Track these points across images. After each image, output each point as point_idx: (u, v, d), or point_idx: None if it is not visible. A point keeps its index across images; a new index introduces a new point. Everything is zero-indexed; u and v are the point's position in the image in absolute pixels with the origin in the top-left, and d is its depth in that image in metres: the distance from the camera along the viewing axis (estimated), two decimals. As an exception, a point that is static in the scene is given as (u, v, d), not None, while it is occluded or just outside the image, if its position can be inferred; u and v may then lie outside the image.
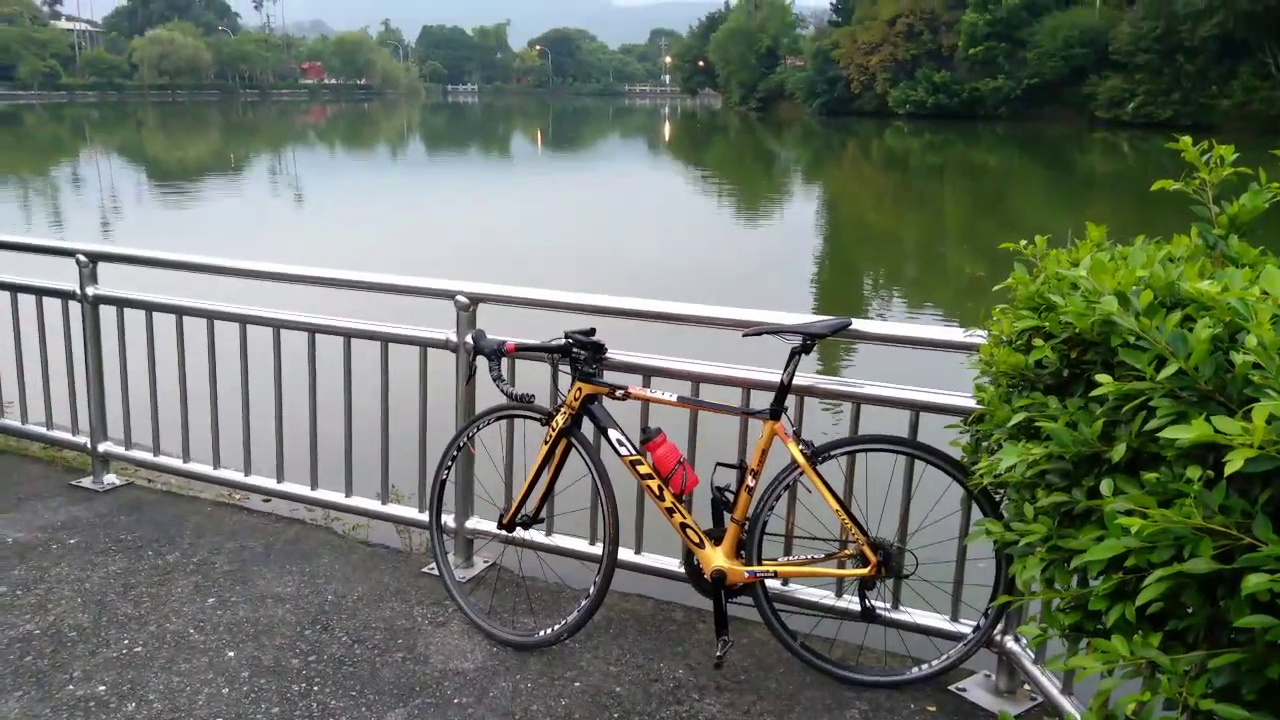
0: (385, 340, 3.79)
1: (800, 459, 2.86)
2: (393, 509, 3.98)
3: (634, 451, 3.05)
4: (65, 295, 4.42)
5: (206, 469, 4.32)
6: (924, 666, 2.99)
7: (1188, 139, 2.19)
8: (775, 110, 79.15)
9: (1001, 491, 2.49)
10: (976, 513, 2.87)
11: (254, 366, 4.06)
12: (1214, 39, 45.59)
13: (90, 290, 4.34)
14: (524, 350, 3.23)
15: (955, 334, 2.89)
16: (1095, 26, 53.10)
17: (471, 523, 3.76)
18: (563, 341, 3.14)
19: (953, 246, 18.50)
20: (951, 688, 3.02)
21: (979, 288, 12.20)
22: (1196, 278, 1.80)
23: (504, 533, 3.39)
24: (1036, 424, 1.92)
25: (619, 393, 3.09)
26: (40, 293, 4.51)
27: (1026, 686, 2.98)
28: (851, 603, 3.13)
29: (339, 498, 4.04)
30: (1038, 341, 2.05)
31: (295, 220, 21.26)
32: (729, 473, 3.03)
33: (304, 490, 4.11)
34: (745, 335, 3.04)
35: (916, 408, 2.99)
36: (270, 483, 4.19)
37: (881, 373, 3.22)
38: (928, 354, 3.02)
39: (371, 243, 16.33)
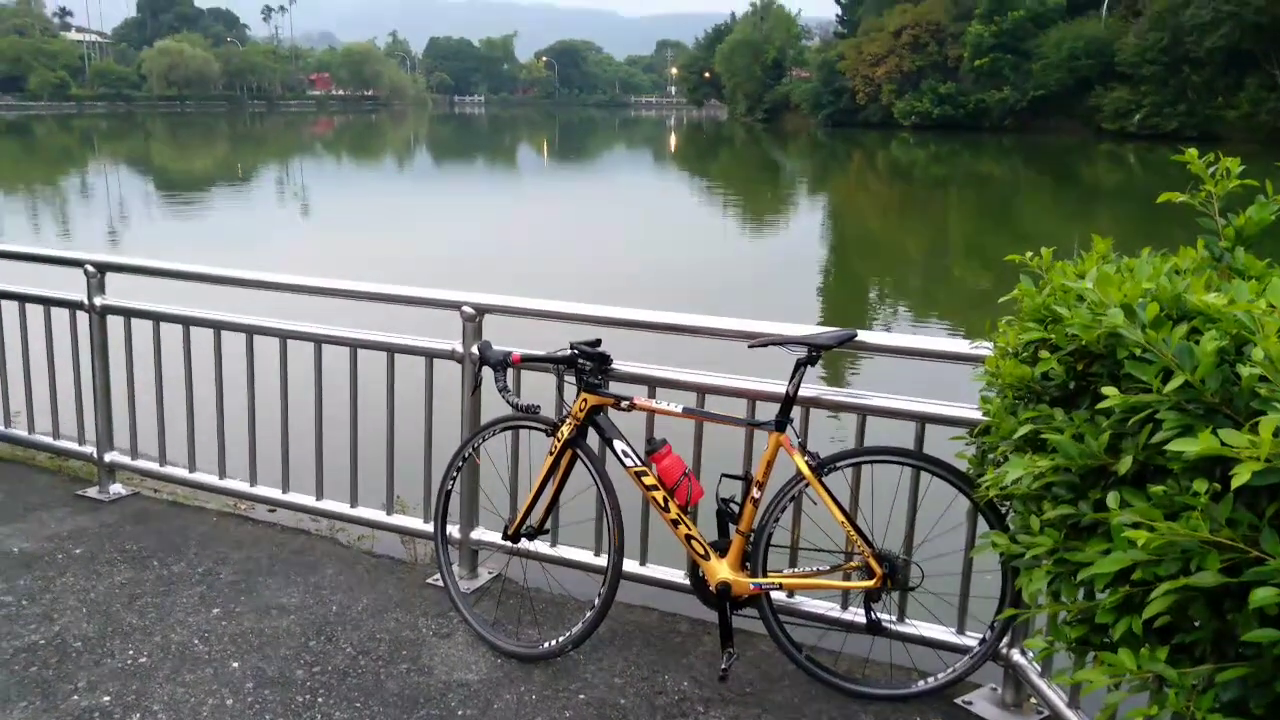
0: (391, 351, 3.80)
1: (805, 471, 2.86)
2: (398, 520, 3.98)
3: (639, 463, 3.05)
4: (73, 305, 4.44)
5: (212, 479, 4.33)
6: (930, 679, 2.98)
7: (1194, 151, 2.19)
8: (781, 121, 79.32)
9: (1008, 504, 2.49)
10: (982, 525, 2.87)
11: (260, 377, 4.08)
12: (1220, 50, 45.61)
13: (98, 300, 4.36)
14: (529, 361, 3.23)
15: (961, 346, 2.89)
16: (1101, 38, 53.19)
17: (476, 534, 3.76)
18: (568, 352, 3.14)
19: (958, 258, 18.51)
20: (958, 701, 3.01)
21: (984, 299, 12.19)
22: (1203, 290, 1.79)
23: (509, 544, 3.38)
24: (1043, 436, 1.91)
25: (624, 404, 3.09)
26: (48, 303, 4.53)
27: (1033, 700, 2.97)
28: (857, 615, 3.11)
29: (344, 508, 4.04)
30: (1044, 354, 2.05)
31: (301, 231, 21.32)
32: (734, 484, 3.03)
33: (309, 501, 4.12)
34: (750, 346, 3.04)
35: (922, 419, 2.99)
36: (276, 493, 4.19)
37: (887, 384, 3.22)
38: (933, 366, 3.01)
39: (377, 253, 16.36)
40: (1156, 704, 1.52)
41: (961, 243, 20.78)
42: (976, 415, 2.67)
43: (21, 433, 4.84)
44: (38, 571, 3.75)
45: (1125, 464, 1.68)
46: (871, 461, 2.97)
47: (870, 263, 18.10)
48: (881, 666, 3.21)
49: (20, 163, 40.77)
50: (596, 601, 3.13)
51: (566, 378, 3.26)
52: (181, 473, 4.40)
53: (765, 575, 3.01)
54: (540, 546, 3.55)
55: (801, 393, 2.95)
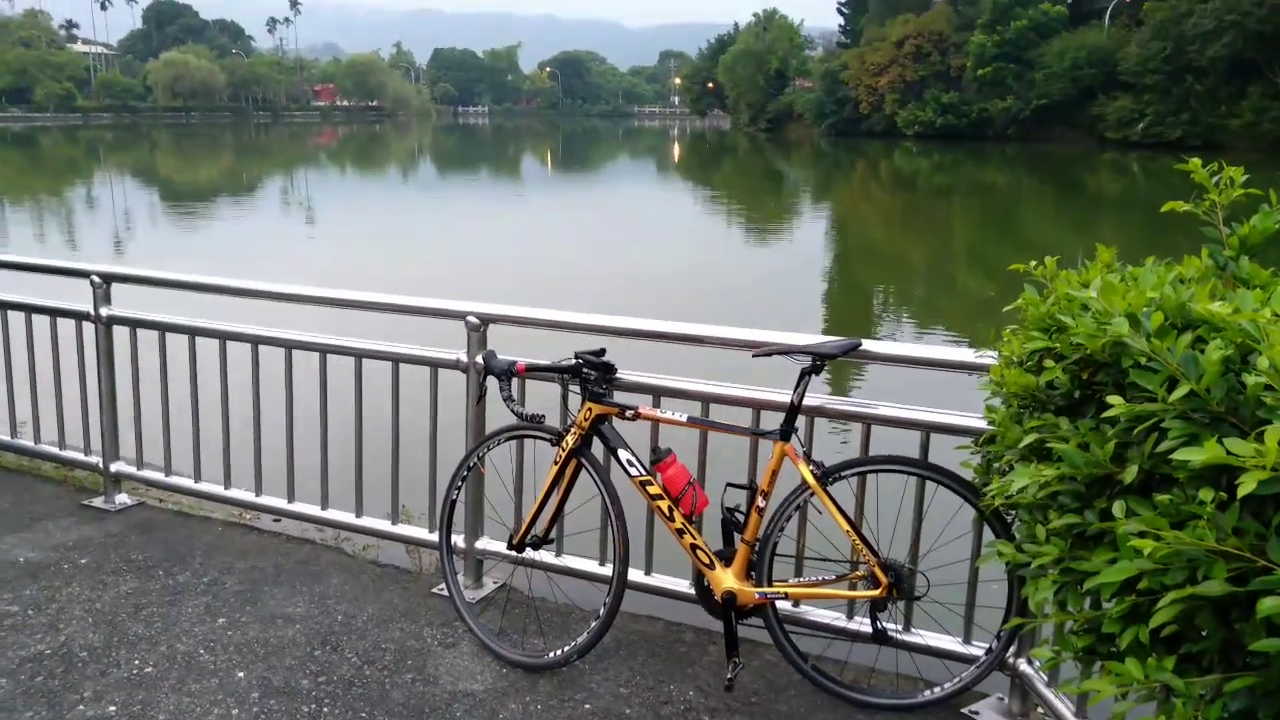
0: (396, 361, 3.80)
1: (811, 480, 2.86)
2: (403, 529, 3.98)
3: (644, 472, 3.05)
4: (79, 316, 4.46)
5: (218, 489, 4.34)
6: (936, 689, 2.97)
7: (1197, 160, 2.19)
8: (784, 131, 79.44)
9: (1013, 513, 2.48)
10: (988, 534, 2.86)
11: (265, 387, 4.08)
12: (1223, 59, 45.66)
13: (104, 311, 4.38)
14: (534, 370, 3.24)
15: (966, 354, 2.89)
16: (1103, 47, 53.28)
17: (481, 543, 3.76)
18: (573, 362, 3.15)
19: (962, 267, 18.51)
20: (964, 711, 3.00)
21: (989, 308, 12.19)
22: (1207, 299, 1.80)
23: (514, 553, 3.38)
24: (1048, 445, 1.91)
25: (629, 413, 3.09)
26: (55, 313, 4.55)
27: (1040, 710, 2.96)
28: (863, 624, 3.11)
29: (349, 518, 4.05)
30: (1049, 362, 2.05)
31: (306, 241, 21.39)
32: (739, 493, 3.03)
33: (314, 510, 4.12)
34: (755, 356, 3.04)
35: (927, 428, 2.99)
36: (281, 503, 4.20)
37: (892, 393, 3.21)
38: (938, 375, 3.01)
39: (381, 263, 16.41)
40: (1164, 714, 1.52)
41: (965, 252, 20.78)
42: (981, 424, 2.67)
43: (27, 443, 4.85)
44: (43, 581, 3.76)
45: (1131, 473, 1.68)
46: (876, 470, 2.97)
47: (874, 272, 18.11)
48: (887, 676, 3.20)
49: (26, 174, 40.95)
50: (602, 611, 3.13)
51: (571, 387, 3.26)
52: (187, 482, 4.41)
53: (770, 584, 3.01)
54: (545, 556, 3.55)
55: (806, 402, 2.95)
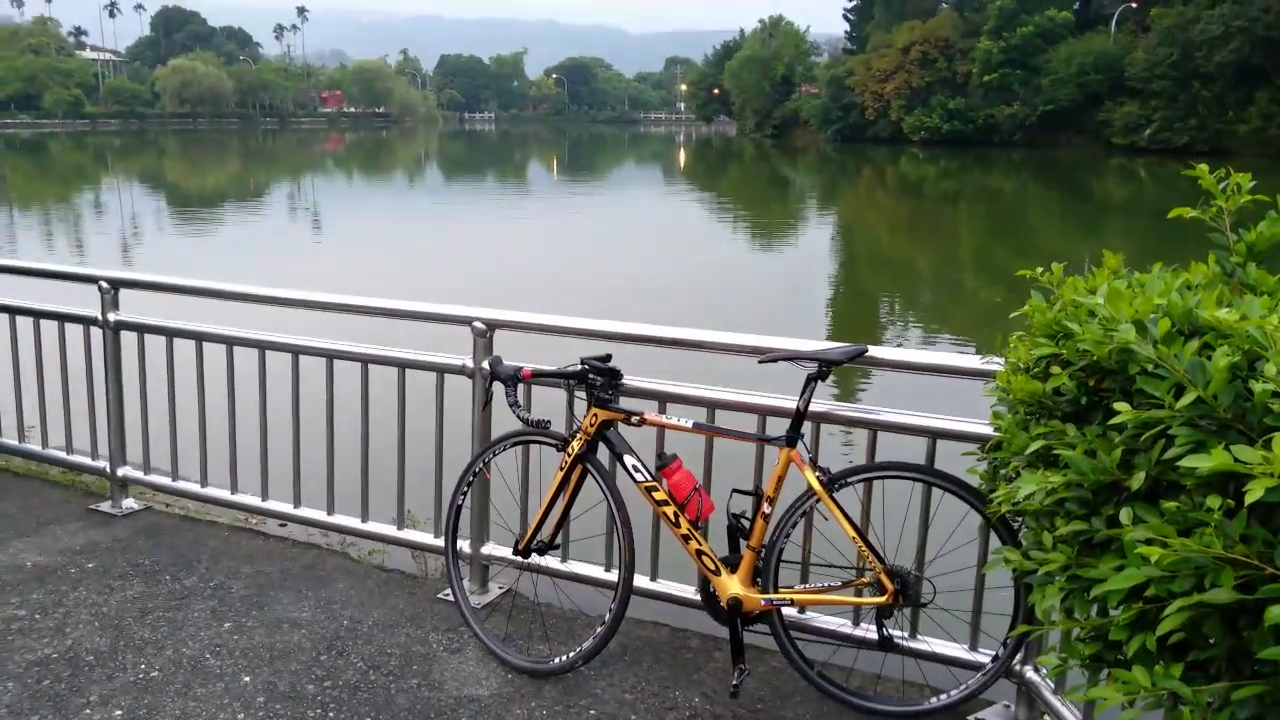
0: (402, 366, 3.81)
1: (817, 486, 2.85)
2: (408, 534, 3.99)
3: (649, 477, 3.05)
4: (87, 321, 4.47)
5: (224, 494, 4.34)
6: (942, 696, 2.96)
7: (1204, 167, 2.19)
8: (790, 137, 79.50)
9: (1020, 520, 2.48)
10: (995, 541, 2.85)
11: (272, 392, 4.09)
12: (1230, 65, 45.60)
13: (112, 316, 4.39)
14: (540, 376, 3.24)
15: (972, 361, 2.89)
16: (1110, 53, 53.25)
17: (487, 548, 3.76)
18: (579, 367, 3.15)
19: (968, 273, 18.48)
20: (970, 718, 2.99)
21: (995, 314, 12.16)
22: (1214, 306, 1.79)
23: (519, 559, 3.38)
24: (1055, 452, 1.91)
25: (635, 419, 3.10)
26: (62, 319, 4.57)
27: (1046, 717, 2.95)
28: (869, 631, 3.10)
29: (355, 523, 4.05)
30: (1055, 369, 2.05)
31: (312, 246, 21.43)
32: (745, 499, 3.03)
33: (320, 515, 4.13)
34: (761, 362, 3.04)
35: (933, 435, 2.98)
36: (287, 507, 4.20)
37: (898, 400, 3.21)
38: (944, 381, 3.01)
39: (388, 269, 16.45)
40: (1171, 721, 1.51)
41: (972, 258, 20.75)
42: (988, 431, 2.66)
43: (35, 447, 4.87)
44: (50, 585, 3.77)
45: (1138, 480, 1.67)
46: (883, 477, 2.96)
47: (880, 278, 18.10)
48: (893, 683, 3.20)
49: (35, 180, 41.13)
50: (607, 617, 3.13)
51: (577, 393, 3.26)
52: (193, 487, 4.42)
53: (776, 591, 3.00)
54: (551, 562, 3.55)
55: (812, 408, 2.95)
